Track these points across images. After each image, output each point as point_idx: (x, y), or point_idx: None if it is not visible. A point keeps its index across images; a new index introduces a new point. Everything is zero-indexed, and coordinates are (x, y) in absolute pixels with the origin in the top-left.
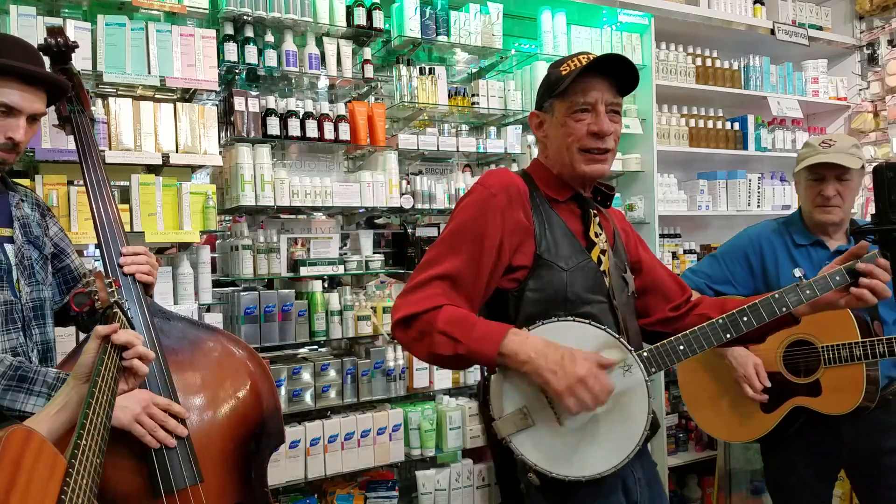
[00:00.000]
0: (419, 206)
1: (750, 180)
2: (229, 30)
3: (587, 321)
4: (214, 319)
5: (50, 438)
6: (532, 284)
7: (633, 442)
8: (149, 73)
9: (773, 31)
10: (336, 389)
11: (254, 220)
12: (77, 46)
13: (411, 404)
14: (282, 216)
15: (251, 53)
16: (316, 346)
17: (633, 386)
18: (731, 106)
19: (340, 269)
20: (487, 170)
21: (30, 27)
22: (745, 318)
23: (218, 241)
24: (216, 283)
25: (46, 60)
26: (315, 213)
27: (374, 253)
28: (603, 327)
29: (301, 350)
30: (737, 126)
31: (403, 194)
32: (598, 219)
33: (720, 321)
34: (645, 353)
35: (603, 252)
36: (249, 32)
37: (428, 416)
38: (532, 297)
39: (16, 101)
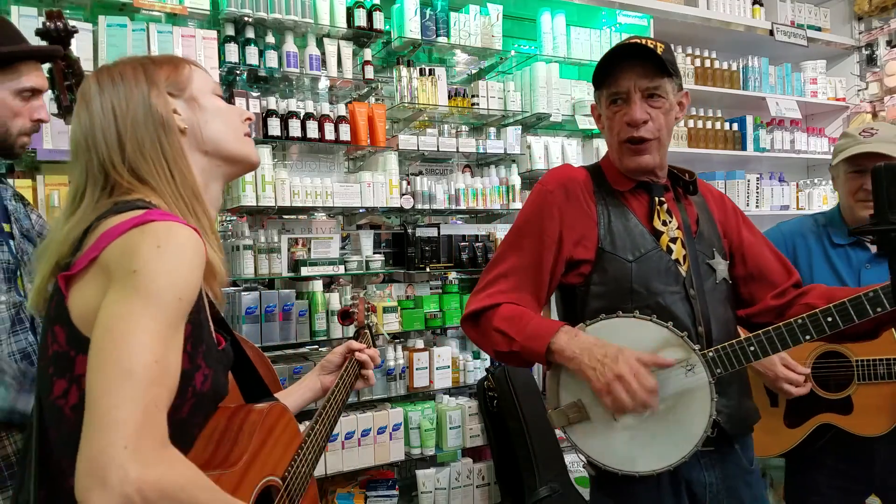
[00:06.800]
0: (419, 206)
1: (749, 181)
2: (230, 31)
3: (649, 317)
4: None
5: (294, 409)
6: (596, 278)
7: (690, 443)
8: None
9: (771, 32)
10: None
11: (255, 221)
12: (76, 31)
13: (411, 404)
14: (283, 216)
15: (252, 54)
16: (316, 346)
17: (696, 386)
18: (729, 107)
19: (341, 269)
20: (484, 169)
21: (31, 28)
22: (829, 319)
23: None
24: None
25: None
26: (316, 214)
27: (374, 253)
28: (666, 324)
29: (302, 349)
30: (735, 127)
31: (403, 195)
32: (665, 205)
33: (799, 321)
34: (711, 353)
35: (673, 240)
36: (250, 33)
37: (428, 416)
38: (597, 291)
39: (40, 83)
